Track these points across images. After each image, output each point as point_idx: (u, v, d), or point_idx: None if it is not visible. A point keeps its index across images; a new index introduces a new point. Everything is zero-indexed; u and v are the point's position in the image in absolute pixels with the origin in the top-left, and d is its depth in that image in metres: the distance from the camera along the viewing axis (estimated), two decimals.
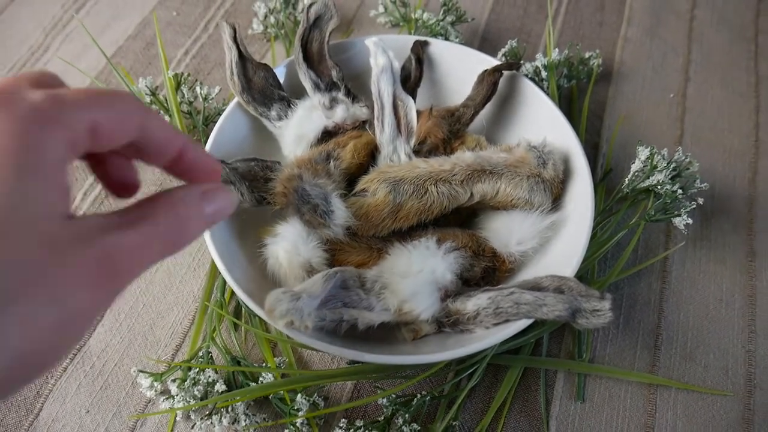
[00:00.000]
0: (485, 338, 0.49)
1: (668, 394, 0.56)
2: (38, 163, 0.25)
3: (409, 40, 0.66)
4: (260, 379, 0.54)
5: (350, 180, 0.60)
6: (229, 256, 0.53)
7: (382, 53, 0.60)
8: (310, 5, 0.63)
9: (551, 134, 0.61)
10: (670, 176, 0.58)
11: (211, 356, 0.56)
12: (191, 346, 0.58)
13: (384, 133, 0.59)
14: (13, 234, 0.24)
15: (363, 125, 0.63)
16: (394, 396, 0.53)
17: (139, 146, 0.31)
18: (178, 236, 0.30)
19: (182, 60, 0.78)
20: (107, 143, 0.29)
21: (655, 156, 0.58)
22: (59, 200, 0.26)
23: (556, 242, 0.56)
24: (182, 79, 0.67)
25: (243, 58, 0.61)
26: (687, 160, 0.60)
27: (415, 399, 0.53)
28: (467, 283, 0.55)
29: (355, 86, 0.64)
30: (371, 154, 0.61)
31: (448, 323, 0.52)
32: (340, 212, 0.53)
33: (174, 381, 0.54)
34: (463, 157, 0.57)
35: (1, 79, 0.28)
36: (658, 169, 0.58)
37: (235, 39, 0.61)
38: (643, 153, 0.59)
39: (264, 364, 0.56)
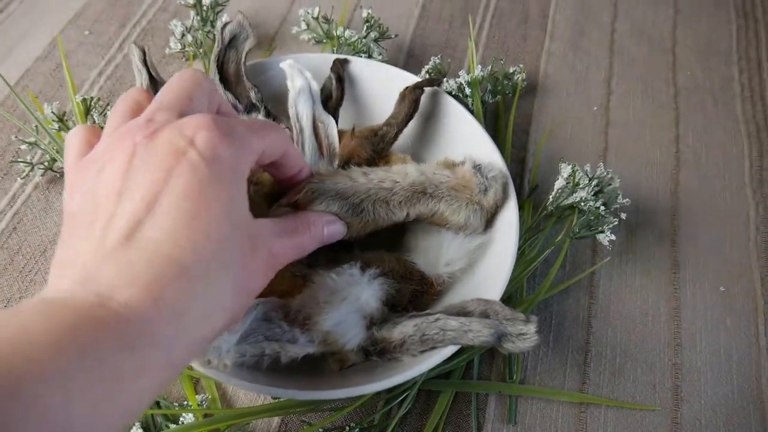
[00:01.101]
0: (413, 367, 0.48)
1: (598, 411, 0.56)
2: (242, 177, 0.35)
3: (329, 58, 0.64)
4: (180, 419, 0.51)
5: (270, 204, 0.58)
6: None
7: (298, 75, 0.59)
8: (225, 25, 0.61)
9: (475, 151, 0.60)
10: (592, 192, 0.59)
11: None
12: None
13: (306, 157, 0.58)
14: (236, 235, 0.34)
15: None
16: (321, 430, 0.51)
17: (277, 164, 0.44)
18: (308, 246, 0.45)
19: (96, 81, 0.74)
20: (262, 162, 0.41)
21: (577, 173, 0.58)
22: (246, 205, 0.36)
23: (483, 262, 0.56)
24: (92, 103, 0.63)
25: (154, 81, 0.58)
26: (609, 176, 0.60)
27: (344, 431, 0.51)
28: (394, 308, 0.54)
29: (276, 107, 0.62)
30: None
31: (374, 352, 0.50)
32: None
33: None
34: (406, 172, 0.54)
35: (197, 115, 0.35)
36: (581, 186, 0.58)
37: (144, 62, 0.58)
38: (565, 170, 0.59)
39: (186, 403, 0.54)
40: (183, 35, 0.75)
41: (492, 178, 0.55)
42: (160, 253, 0.30)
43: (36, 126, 0.66)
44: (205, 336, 0.33)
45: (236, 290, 0.34)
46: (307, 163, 0.49)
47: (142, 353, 0.27)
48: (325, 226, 0.47)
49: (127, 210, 0.31)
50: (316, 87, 0.59)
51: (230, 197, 0.33)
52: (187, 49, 0.76)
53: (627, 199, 0.61)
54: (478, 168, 0.56)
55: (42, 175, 0.66)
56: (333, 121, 0.59)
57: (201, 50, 0.75)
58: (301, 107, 0.58)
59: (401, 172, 0.53)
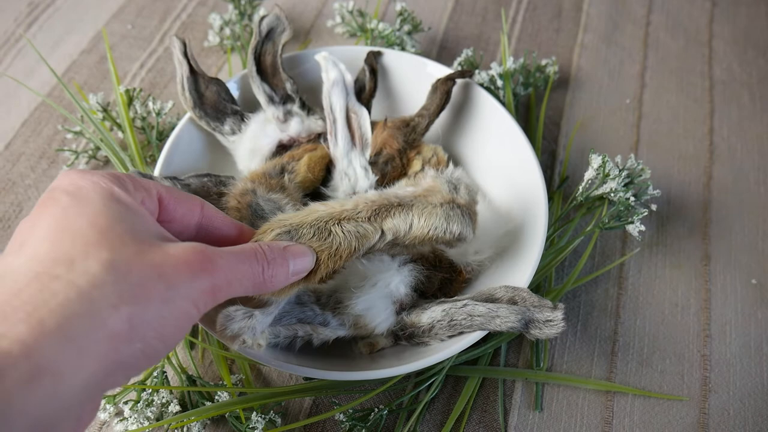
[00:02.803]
0: (440, 351, 0.49)
1: (625, 400, 0.56)
2: (122, 200, 0.35)
3: (363, 51, 0.66)
4: (216, 397, 0.53)
5: (306, 194, 0.59)
6: None
7: (332, 67, 0.60)
8: (262, 18, 0.62)
9: (506, 141, 0.61)
10: (623, 183, 0.59)
11: (166, 376, 0.55)
12: None
13: (338, 147, 0.59)
14: (114, 236, 0.33)
15: (318, 138, 0.62)
16: (351, 411, 0.53)
17: (205, 232, 0.43)
18: (269, 280, 0.40)
19: (137, 74, 0.77)
20: (178, 220, 0.41)
21: (607, 164, 0.59)
22: (149, 226, 0.36)
23: (511, 251, 0.56)
24: (134, 94, 0.66)
25: (194, 72, 0.60)
26: (639, 167, 0.60)
27: (373, 413, 0.53)
28: (424, 294, 0.55)
29: (311, 99, 0.64)
30: (326, 167, 0.61)
31: (404, 336, 0.52)
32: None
33: (127, 403, 0.53)
34: (366, 195, 0.50)
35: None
36: (611, 177, 0.58)
37: (185, 54, 0.60)
38: (595, 161, 0.59)
39: (221, 382, 0.56)
40: (221, 28, 0.77)
41: (457, 178, 0.52)
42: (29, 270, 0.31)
43: (81, 116, 0.68)
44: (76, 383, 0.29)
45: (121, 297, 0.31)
46: (246, 227, 0.46)
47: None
48: (291, 259, 0.42)
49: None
50: (350, 78, 0.61)
51: (100, 212, 0.34)
52: (225, 42, 0.78)
53: (657, 191, 0.61)
54: (440, 171, 0.52)
55: (86, 163, 0.69)
56: (366, 111, 0.60)
57: (238, 43, 0.77)
58: (335, 98, 0.59)
59: (362, 195, 0.50)
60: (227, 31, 0.77)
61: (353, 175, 0.59)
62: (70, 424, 0.29)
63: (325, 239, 0.45)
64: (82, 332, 0.29)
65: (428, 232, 0.47)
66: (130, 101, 0.66)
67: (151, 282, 0.32)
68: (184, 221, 0.42)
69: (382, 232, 0.47)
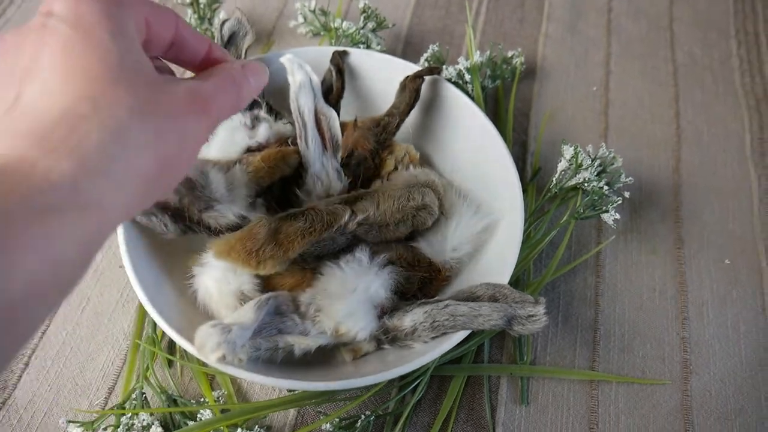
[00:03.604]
0: (425, 353, 0.48)
1: (609, 388, 0.57)
2: (123, 30, 0.34)
3: (328, 51, 0.65)
4: (198, 416, 0.52)
5: (261, 189, 0.58)
6: (155, 291, 0.51)
7: (298, 69, 0.59)
8: (224, 23, 0.61)
9: (477, 136, 0.61)
10: (595, 173, 0.59)
11: (146, 397, 0.54)
12: (124, 388, 0.55)
13: (309, 151, 0.58)
14: (126, 77, 0.32)
15: (287, 142, 0.61)
16: (338, 420, 0.52)
17: (177, 48, 0.41)
18: (243, 102, 0.41)
19: None
20: (155, 39, 0.39)
21: (580, 154, 0.59)
22: (146, 60, 0.35)
23: (489, 246, 0.56)
24: None
25: None
26: (611, 155, 0.60)
27: (359, 420, 0.52)
28: (404, 296, 0.55)
29: (277, 102, 0.63)
30: (284, 159, 0.59)
31: (386, 340, 0.51)
32: (218, 183, 0.52)
33: (106, 429, 0.52)
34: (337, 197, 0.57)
35: None
36: (583, 167, 0.58)
37: None
38: (567, 152, 0.59)
39: (202, 399, 0.54)
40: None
41: (419, 172, 0.58)
42: (40, 109, 0.30)
43: None
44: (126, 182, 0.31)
45: (155, 132, 0.33)
46: (213, 41, 0.44)
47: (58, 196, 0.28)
48: (251, 77, 0.43)
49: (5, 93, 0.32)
50: (316, 80, 0.60)
51: (108, 48, 0.32)
52: None
53: (630, 178, 0.61)
54: (406, 169, 0.59)
55: None
56: (335, 113, 0.59)
57: None
58: (303, 101, 0.58)
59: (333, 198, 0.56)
60: None
61: (326, 178, 0.58)
62: (85, 271, 0.30)
63: (298, 216, 0.51)
64: (119, 172, 0.30)
65: (393, 203, 0.53)
66: None
67: (167, 125, 0.34)
68: (159, 39, 0.40)
69: (352, 211, 0.52)
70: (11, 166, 0.27)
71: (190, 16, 0.76)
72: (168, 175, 0.35)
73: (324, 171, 0.58)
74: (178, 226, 0.54)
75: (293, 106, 0.58)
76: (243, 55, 0.61)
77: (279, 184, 0.58)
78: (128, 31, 0.34)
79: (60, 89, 0.31)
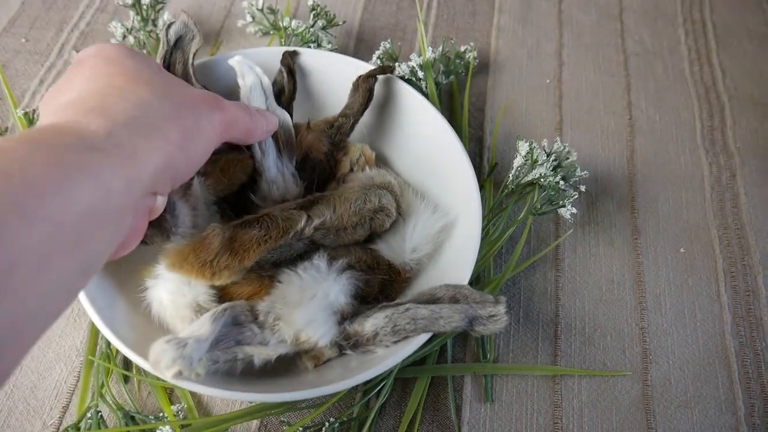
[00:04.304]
0: (387, 358, 0.48)
1: (572, 381, 0.57)
2: (136, 55, 0.45)
3: (279, 51, 0.63)
4: None
5: (221, 198, 0.56)
6: (106, 305, 0.49)
7: (248, 71, 0.57)
8: (169, 26, 0.59)
9: (432, 134, 0.60)
10: (551, 168, 0.59)
11: (101, 416, 0.52)
12: (79, 406, 0.53)
13: (267, 157, 0.57)
14: (145, 78, 0.41)
15: (241, 148, 0.60)
16: (301, 428, 0.51)
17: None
18: (249, 118, 0.49)
19: (37, 91, 0.72)
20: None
21: (535, 150, 0.59)
22: (165, 73, 0.45)
23: (449, 246, 0.56)
24: (34, 117, 0.61)
25: None
26: (566, 150, 0.61)
27: (324, 428, 0.51)
28: (365, 299, 0.54)
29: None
30: (244, 170, 0.57)
31: (348, 346, 0.50)
32: (184, 215, 0.51)
33: None
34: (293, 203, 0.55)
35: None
36: (539, 162, 0.58)
37: None
38: (522, 148, 0.59)
39: (161, 414, 0.53)
40: (124, 37, 0.73)
41: (375, 173, 0.58)
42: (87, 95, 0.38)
43: None
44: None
45: (175, 115, 0.39)
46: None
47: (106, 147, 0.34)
48: (265, 118, 0.52)
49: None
50: (267, 82, 0.58)
51: (126, 64, 0.42)
52: None
53: (585, 172, 0.61)
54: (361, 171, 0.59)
55: None
56: (288, 115, 0.58)
57: (144, 51, 0.73)
58: (255, 104, 0.57)
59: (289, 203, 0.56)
60: (131, 39, 0.73)
61: (282, 183, 0.56)
62: (129, 217, 0.36)
63: (254, 224, 0.50)
64: (146, 130, 0.36)
65: (350, 206, 0.53)
66: (30, 124, 0.61)
67: (185, 108, 0.40)
68: None
69: (308, 216, 0.51)
70: (59, 125, 0.34)
71: (132, 18, 0.73)
72: (188, 151, 0.39)
73: (280, 175, 0.57)
74: None
75: None
76: (191, 59, 0.59)
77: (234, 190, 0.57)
78: (146, 56, 0.44)
79: (89, 86, 0.39)
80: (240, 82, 0.58)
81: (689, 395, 0.57)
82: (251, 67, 0.58)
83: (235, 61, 0.58)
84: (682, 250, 0.65)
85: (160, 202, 0.43)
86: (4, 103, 0.71)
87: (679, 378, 0.58)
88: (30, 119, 0.61)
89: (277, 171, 0.57)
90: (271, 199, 0.57)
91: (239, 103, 0.48)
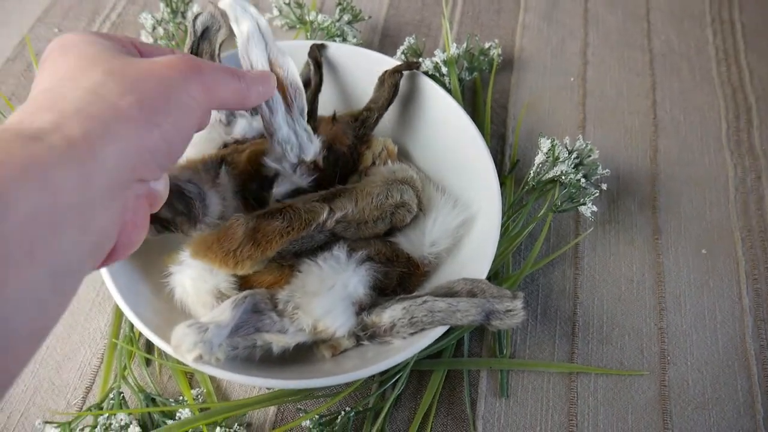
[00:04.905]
0: (404, 350, 0.48)
1: (588, 379, 0.57)
2: (95, 40, 0.39)
3: (306, 45, 0.64)
4: (177, 415, 0.52)
5: (245, 189, 0.57)
6: (130, 290, 0.50)
7: (243, 14, 0.51)
8: (196, 17, 0.60)
9: (454, 130, 0.60)
10: (572, 165, 0.59)
11: (123, 397, 0.53)
12: (102, 387, 0.55)
13: (275, 115, 0.52)
14: (102, 59, 0.36)
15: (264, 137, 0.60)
16: (317, 417, 0.52)
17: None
18: (237, 82, 0.42)
19: None
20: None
21: (557, 147, 0.59)
22: (127, 56, 0.38)
23: (468, 241, 0.56)
24: None
25: None
26: (588, 148, 0.60)
27: (339, 417, 0.52)
28: (383, 291, 0.54)
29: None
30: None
31: (365, 336, 0.51)
32: (215, 206, 0.52)
33: (83, 429, 0.51)
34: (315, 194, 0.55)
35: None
36: (561, 159, 0.58)
37: None
38: (544, 145, 0.59)
39: (181, 398, 0.54)
40: (154, 28, 0.74)
41: (397, 168, 0.57)
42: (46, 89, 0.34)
43: None
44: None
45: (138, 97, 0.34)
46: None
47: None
48: (261, 85, 0.46)
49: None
50: (265, 24, 0.53)
51: (84, 50, 0.37)
52: (159, 42, 0.75)
53: (607, 170, 0.61)
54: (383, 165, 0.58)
55: None
56: (291, 61, 0.53)
57: (173, 42, 0.74)
58: (255, 55, 0.51)
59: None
60: (160, 30, 0.74)
61: (294, 141, 0.53)
62: (107, 212, 0.32)
63: (276, 215, 0.50)
64: (99, 114, 0.32)
65: (372, 201, 0.53)
66: None
67: (148, 80, 0.35)
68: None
69: (330, 209, 0.51)
70: (6, 125, 0.31)
71: (162, 9, 0.74)
72: (159, 125, 0.34)
73: (292, 133, 0.53)
74: (154, 226, 0.53)
75: (244, 63, 0.52)
76: (217, 51, 0.60)
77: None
78: (110, 42, 0.39)
79: (44, 84, 0.35)
80: (235, 29, 0.52)
81: (707, 397, 0.56)
82: (245, 9, 0.52)
83: (227, 4, 0.52)
84: (704, 251, 0.64)
85: (160, 187, 0.40)
86: None
87: (697, 379, 0.57)
88: None
89: (288, 129, 0.53)
90: (287, 162, 0.54)
91: (225, 66, 0.42)
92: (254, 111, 0.61)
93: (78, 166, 0.30)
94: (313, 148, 0.54)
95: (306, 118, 0.54)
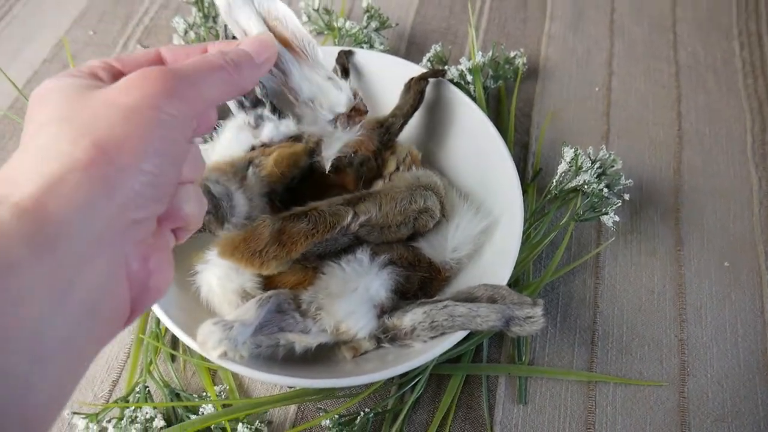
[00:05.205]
0: (424, 353, 0.49)
1: (607, 389, 0.57)
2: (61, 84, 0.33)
3: (334, 51, 0.65)
4: (200, 410, 0.53)
5: (273, 191, 0.58)
6: None
7: None
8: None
9: (478, 137, 0.61)
10: (595, 175, 0.59)
11: (149, 391, 0.55)
12: (128, 381, 0.56)
13: (291, 76, 0.46)
14: (55, 97, 0.31)
15: (292, 140, 0.61)
16: (337, 416, 0.53)
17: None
18: (221, 63, 0.36)
19: None
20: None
21: (580, 156, 0.59)
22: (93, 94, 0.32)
23: (489, 247, 0.57)
24: None
25: None
26: (611, 158, 0.61)
27: (359, 417, 0.53)
28: (404, 295, 0.55)
29: (282, 102, 0.63)
30: (296, 163, 0.59)
31: (386, 339, 0.52)
32: (241, 206, 0.52)
33: (110, 421, 0.52)
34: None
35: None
36: (583, 169, 0.59)
37: None
38: (568, 154, 0.60)
39: (205, 394, 0.55)
40: (186, 32, 0.76)
41: (421, 174, 0.57)
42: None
43: None
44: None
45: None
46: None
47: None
48: (257, 56, 0.39)
49: None
50: None
51: (54, 100, 0.32)
52: None
53: (630, 180, 0.61)
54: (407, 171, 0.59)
55: None
56: (287, 8, 0.47)
57: None
58: (243, 18, 0.45)
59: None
60: (192, 34, 0.76)
61: (321, 94, 0.49)
62: (91, 276, 0.27)
63: (302, 218, 0.50)
64: (50, 171, 0.27)
65: (396, 206, 0.53)
66: None
67: (106, 117, 0.29)
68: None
69: (355, 213, 0.52)
70: None
71: (194, 14, 0.76)
72: (127, 160, 0.29)
73: (315, 88, 0.49)
74: None
75: (235, 31, 0.45)
76: None
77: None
78: (70, 82, 0.33)
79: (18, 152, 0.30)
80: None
81: (726, 410, 0.56)
82: None
83: None
84: (726, 263, 0.64)
85: (187, 208, 0.35)
86: None
87: (716, 392, 0.57)
88: None
89: (309, 84, 0.49)
90: (320, 119, 0.51)
91: (205, 58, 0.36)
92: (281, 114, 0.62)
93: (27, 239, 0.25)
94: (344, 95, 0.50)
95: (324, 65, 0.48)
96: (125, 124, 0.29)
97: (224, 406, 0.54)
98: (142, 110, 0.30)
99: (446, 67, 0.72)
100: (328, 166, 0.50)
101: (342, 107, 0.49)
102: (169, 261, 0.34)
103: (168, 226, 0.35)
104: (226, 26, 0.61)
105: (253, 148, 0.60)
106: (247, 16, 0.43)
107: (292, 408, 0.55)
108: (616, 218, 0.59)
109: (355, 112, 0.52)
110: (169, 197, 0.32)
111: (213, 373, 0.57)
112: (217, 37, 0.76)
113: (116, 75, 0.35)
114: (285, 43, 0.44)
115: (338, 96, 0.50)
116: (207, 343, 0.44)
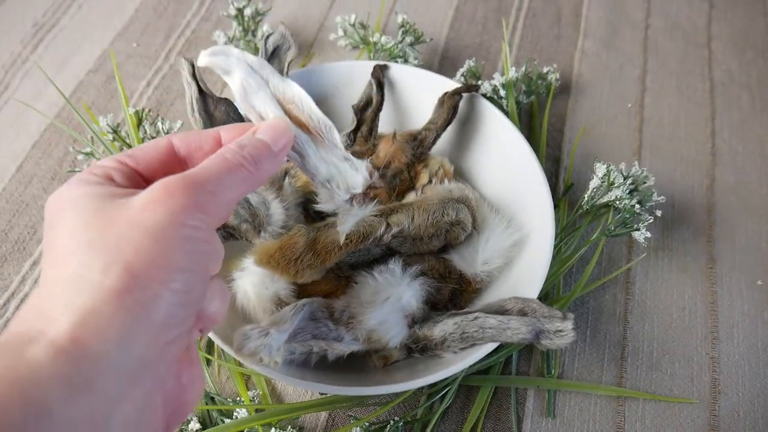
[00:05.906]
0: (454, 363, 0.50)
1: (636, 405, 0.57)
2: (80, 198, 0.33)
3: (367, 65, 0.66)
4: (234, 414, 0.54)
5: (306, 201, 0.59)
6: None
7: (229, 62, 0.45)
8: (268, 36, 0.63)
9: (510, 152, 0.62)
10: (627, 191, 0.60)
11: None
12: None
13: (307, 159, 0.46)
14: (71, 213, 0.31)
15: None
16: (367, 424, 0.54)
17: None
18: (238, 161, 0.35)
19: (144, 92, 0.78)
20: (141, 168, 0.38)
21: (612, 172, 0.60)
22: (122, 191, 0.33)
23: (520, 261, 0.57)
24: (143, 114, 0.67)
25: (203, 93, 0.61)
26: (643, 174, 0.61)
27: (388, 425, 0.54)
28: (435, 306, 0.56)
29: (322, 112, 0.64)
30: None
31: (417, 349, 0.53)
32: (278, 214, 0.54)
33: None
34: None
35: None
36: (615, 185, 0.59)
37: (194, 75, 0.61)
38: (600, 170, 0.60)
39: (238, 398, 0.57)
40: (226, 45, 0.78)
41: (453, 187, 0.58)
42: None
43: (91, 137, 0.69)
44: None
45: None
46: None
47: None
48: (271, 144, 0.38)
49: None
50: (256, 60, 0.46)
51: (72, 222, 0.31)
52: None
53: (662, 197, 0.61)
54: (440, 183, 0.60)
55: None
56: (301, 89, 0.47)
57: None
58: (259, 102, 0.44)
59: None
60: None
61: (338, 177, 0.49)
62: (129, 404, 0.28)
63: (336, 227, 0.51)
64: (83, 304, 0.27)
65: (428, 218, 0.54)
66: (139, 122, 0.67)
67: (132, 239, 0.29)
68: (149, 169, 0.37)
69: (387, 224, 0.52)
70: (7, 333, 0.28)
71: (234, 28, 0.78)
72: (157, 283, 0.29)
73: (333, 169, 0.49)
74: (220, 233, 0.56)
75: (251, 116, 0.45)
76: (286, 69, 0.63)
77: None
78: (87, 191, 0.32)
79: (45, 264, 0.31)
80: (228, 81, 0.46)
81: (759, 429, 0.56)
82: (228, 54, 0.46)
83: (209, 61, 0.45)
84: (759, 282, 0.64)
85: (213, 308, 0.35)
86: (117, 99, 0.77)
87: (748, 411, 0.57)
88: (139, 117, 0.67)
89: (326, 166, 0.49)
90: (337, 200, 0.51)
91: (222, 161, 0.35)
92: None
93: (64, 381, 0.25)
94: (360, 176, 0.50)
95: (342, 145, 0.49)
96: (153, 245, 0.29)
97: (257, 410, 0.55)
98: (167, 229, 0.30)
99: (479, 82, 0.73)
100: (342, 239, 0.51)
101: (358, 188, 0.50)
102: (201, 374, 0.34)
103: (195, 330, 0.35)
104: (266, 41, 0.63)
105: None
106: (263, 101, 0.44)
107: (324, 414, 0.57)
108: (648, 234, 0.59)
109: (371, 189, 0.53)
110: (199, 307, 0.33)
111: (247, 378, 0.58)
112: (256, 50, 0.78)
113: (130, 176, 0.36)
114: (301, 125, 0.45)
115: (354, 177, 0.50)
116: (243, 348, 0.46)
